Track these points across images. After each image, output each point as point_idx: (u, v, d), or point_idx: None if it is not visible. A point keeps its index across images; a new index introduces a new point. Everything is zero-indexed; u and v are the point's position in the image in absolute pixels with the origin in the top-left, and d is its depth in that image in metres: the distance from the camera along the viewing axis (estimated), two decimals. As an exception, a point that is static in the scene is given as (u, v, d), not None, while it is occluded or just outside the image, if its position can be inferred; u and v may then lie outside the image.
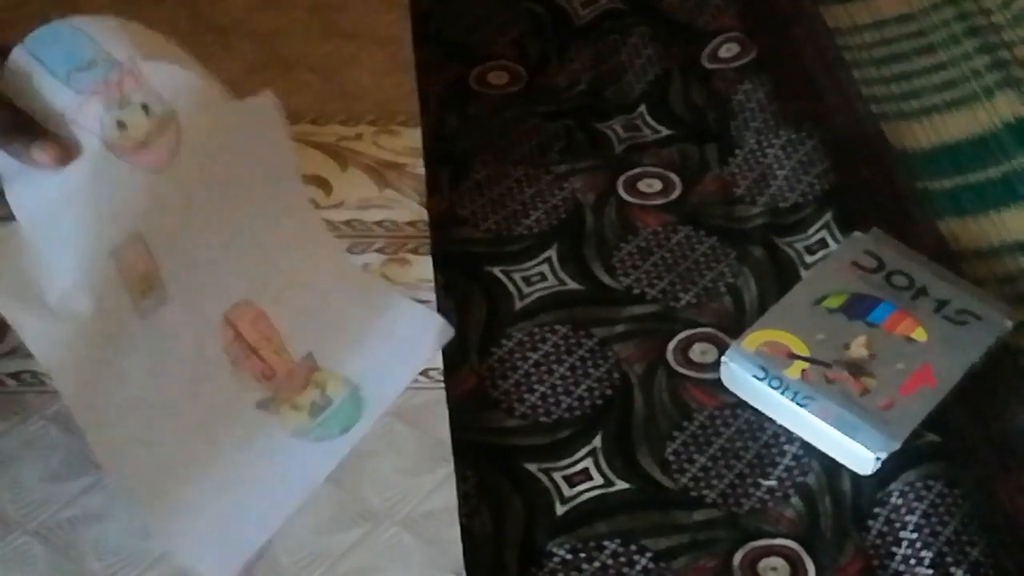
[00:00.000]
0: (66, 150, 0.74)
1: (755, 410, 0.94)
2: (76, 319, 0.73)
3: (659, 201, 1.10)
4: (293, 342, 0.83)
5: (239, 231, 0.82)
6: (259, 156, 0.81)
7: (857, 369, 0.93)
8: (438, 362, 0.93)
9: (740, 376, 0.94)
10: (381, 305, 0.87)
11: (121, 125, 0.76)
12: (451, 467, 0.86)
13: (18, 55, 0.75)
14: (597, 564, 0.85)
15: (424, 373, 0.92)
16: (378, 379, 0.85)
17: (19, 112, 0.74)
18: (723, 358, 0.94)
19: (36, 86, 0.74)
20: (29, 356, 0.75)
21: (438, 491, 0.85)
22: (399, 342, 0.86)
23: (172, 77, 0.77)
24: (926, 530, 0.86)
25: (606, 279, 1.03)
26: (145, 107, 0.76)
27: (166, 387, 0.80)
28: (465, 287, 1.01)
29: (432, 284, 0.98)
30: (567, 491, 0.89)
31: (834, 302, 0.97)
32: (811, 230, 1.06)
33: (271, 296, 0.83)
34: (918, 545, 0.86)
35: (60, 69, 0.75)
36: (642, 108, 1.19)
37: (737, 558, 0.86)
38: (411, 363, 0.88)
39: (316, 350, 0.84)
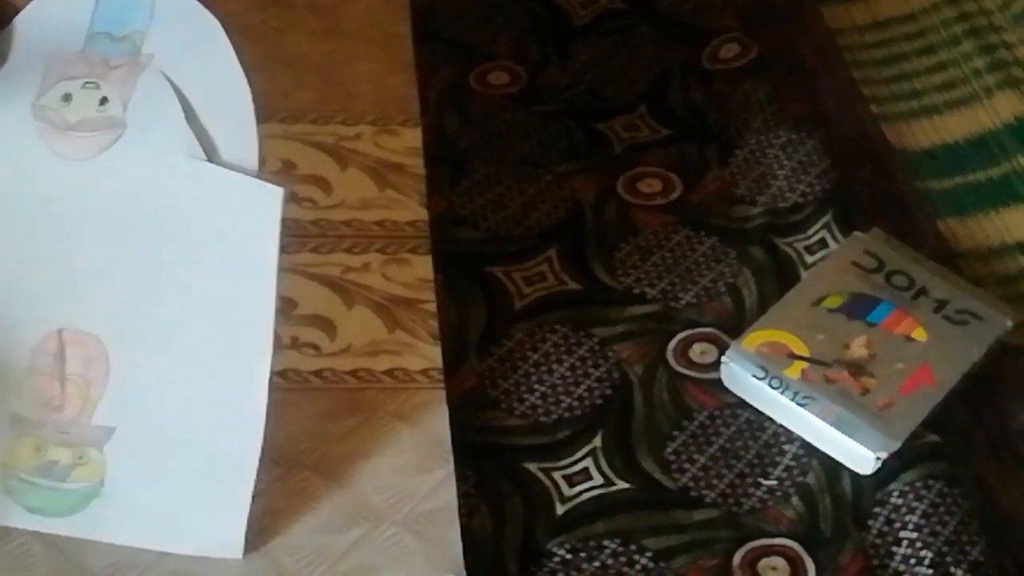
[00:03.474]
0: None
1: (755, 410, 0.94)
2: None
3: (659, 201, 1.10)
4: (106, 407, 0.80)
5: (143, 275, 0.78)
6: (227, 235, 0.78)
7: (857, 369, 0.93)
8: (438, 362, 0.93)
9: (740, 376, 0.94)
10: (208, 468, 0.80)
11: (67, 98, 0.75)
12: (451, 467, 0.86)
13: None
14: (597, 564, 0.85)
15: (424, 373, 0.92)
16: (122, 511, 0.80)
17: None
18: (723, 358, 0.94)
19: (64, 16, 0.74)
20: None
21: (438, 491, 0.85)
22: (175, 515, 0.80)
23: (160, 105, 0.75)
24: (926, 530, 0.86)
25: (606, 279, 1.03)
26: (104, 100, 0.75)
27: None
28: (465, 287, 1.01)
29: (432, 284, 0.98)
30: (567, 491, 0.89)
31: (834, 302, 0.97)
32: (811, 230, 1.06)
33: (130, 354, 0.79)
34: (918, 545, 0.86)
35: (100, 23, 0.74)
36: (642, 108, 1.19)
37: (737, 558, 0.86)
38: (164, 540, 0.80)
39: (119, 432, 0.80)
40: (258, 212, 0.77)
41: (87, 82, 0.75)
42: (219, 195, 0.77)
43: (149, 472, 0.80)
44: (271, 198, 0.77)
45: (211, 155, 0.77)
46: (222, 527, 0.80)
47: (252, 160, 0.77)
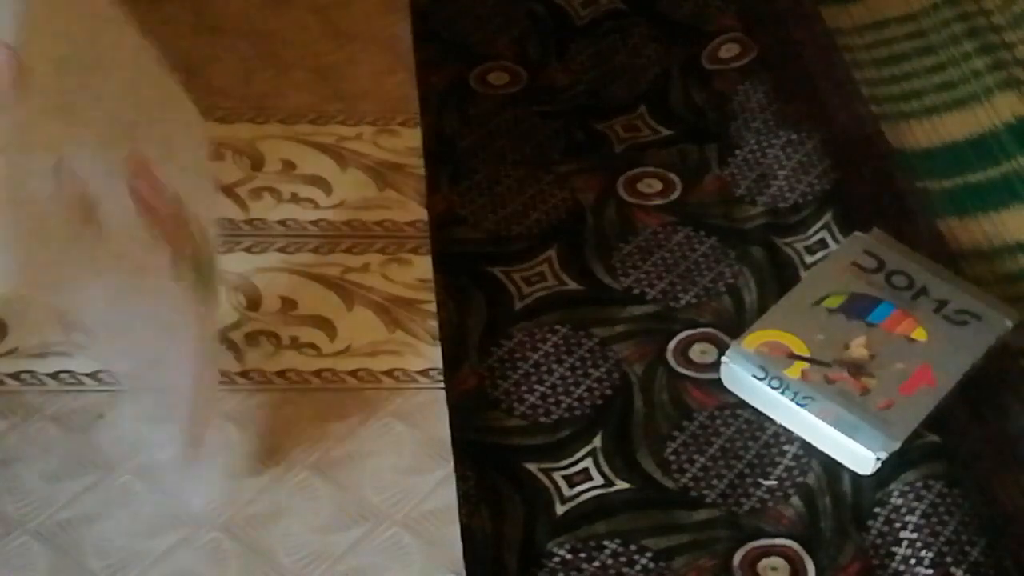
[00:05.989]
0: None
1: (755, 410, 0.94)
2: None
3: (659, 201, 1.10)
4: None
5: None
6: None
7: (857, 369, 0.93)
8: (438, 362, 0.93)
9: (740, 376, 0.94)
10: None
11: None
12: (451, 467, 0.86)
13: None
14: (597, 564, 0.85)
15: (424, 373, 0.92)
16: None
17: None
18: (723, 358, 0.94)
19: None
20: (30, 356, 0.74)
21: (438, 491, 0.85)
22: None
23: None
24: (926, 530, 0.86)
25: (606, 279, 1.03)
26: None
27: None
28: (465, 287, 1.01)
29: (432, 284, 0.98)
30: (567, 491, 0.89)
31: (834, 302, 0.97)
32: (811, 230, 1.06)
33: (154, 148, 0.79)
34: (918, 545, 0.86)
35: None
36: (642, 108, 1.19)
37: (737, 558, 0.86)
38: None
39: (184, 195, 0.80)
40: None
41: None
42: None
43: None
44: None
45: None
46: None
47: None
